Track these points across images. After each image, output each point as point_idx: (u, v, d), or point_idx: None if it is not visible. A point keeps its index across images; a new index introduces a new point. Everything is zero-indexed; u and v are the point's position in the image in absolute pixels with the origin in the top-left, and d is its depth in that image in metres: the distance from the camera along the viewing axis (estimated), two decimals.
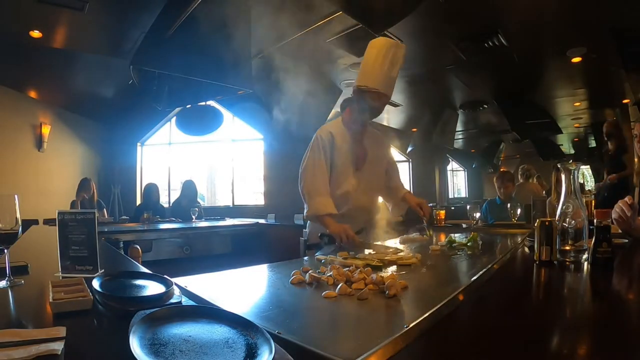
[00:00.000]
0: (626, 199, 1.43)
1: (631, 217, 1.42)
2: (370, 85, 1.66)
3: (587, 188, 8.90)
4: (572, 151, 10.36)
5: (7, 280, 0.91)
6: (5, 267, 0.92)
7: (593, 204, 1.92)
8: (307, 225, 1.96)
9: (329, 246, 1.70)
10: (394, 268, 1.12)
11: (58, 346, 0.52)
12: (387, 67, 1.65)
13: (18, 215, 0.91)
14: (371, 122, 1.91)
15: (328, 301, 0.79)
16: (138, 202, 6.32)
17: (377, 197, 1.96)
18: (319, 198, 1.72)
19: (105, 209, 4.73)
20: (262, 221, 4.67)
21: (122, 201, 6.30)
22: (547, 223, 1.16)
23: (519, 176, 4.75)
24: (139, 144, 6.90)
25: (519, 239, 1.75)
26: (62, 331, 0.57)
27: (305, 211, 1.78)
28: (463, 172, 12.10)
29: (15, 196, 0.91)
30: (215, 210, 5.98)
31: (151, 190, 4.68)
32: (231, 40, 2.86)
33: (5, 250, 0.92)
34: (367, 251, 1.39)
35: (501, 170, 4.45)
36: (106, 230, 3.22)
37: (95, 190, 4.47)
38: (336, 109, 5.44)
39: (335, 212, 1.72)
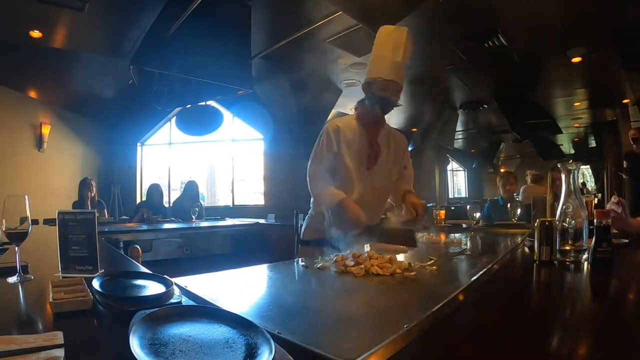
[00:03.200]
0: (613, 198, 1.46)
1: (622, 213, 1.44)
2: (374, 75, 1.62)
3: (590, 187, 8.90)
4: (572, 151, 10.36)
5: (17, 276, 0.96)
6: (16, 265, 0.97)
7: (593, 204, 1.93)
8: (305, 220, 1.89)
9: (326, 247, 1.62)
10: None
11: (59, 353, 0.51)
12: (390, 53, 1.59)
13: (28, 215, 0.96)
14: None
15: (328, 300, 0.79)
16: (138, 202, 6.31)
17: (384, 200, 1.86)
18: (330, 187, 1.64)
19: (105, 209, 4.72)
20: (262, 221, 4.67)
21: (122, 201, 6.28)
22: (547, 223, 1.16)
23: (529, 179, 4.70)
24: (139, 144, 6.89)
25: (519, 239, 1.75)
26: (59, 337, 0.56)
27: (317, 204, 1.70)
28: (463, 172, 12.10)
29: (26, 197, 0.96)
30: (215, 210, 5.97)
31: (154, 191, 4.68)
32: (231, 40, 2.86)
33: (17, 248, 0.97)
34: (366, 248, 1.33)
35: (505, 170, 4.44)
36: (106, 230, 3.22)
37: (95, 190, 4.47)
38: (336, 109, 5.43)
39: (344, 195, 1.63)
